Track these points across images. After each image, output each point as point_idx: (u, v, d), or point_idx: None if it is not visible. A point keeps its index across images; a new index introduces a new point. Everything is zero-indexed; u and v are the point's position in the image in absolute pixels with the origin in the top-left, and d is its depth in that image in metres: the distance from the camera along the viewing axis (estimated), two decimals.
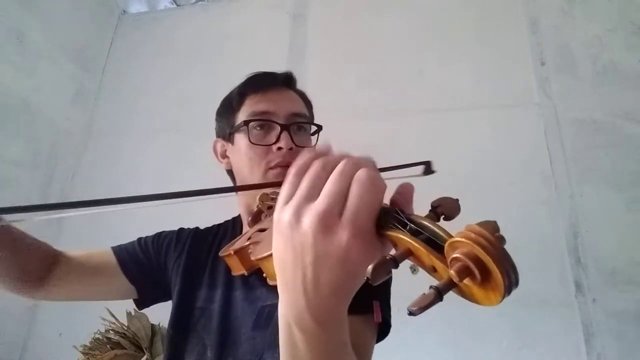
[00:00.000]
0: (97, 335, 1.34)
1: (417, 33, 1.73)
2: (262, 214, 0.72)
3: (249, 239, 0.62)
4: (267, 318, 0.66)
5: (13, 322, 1.53)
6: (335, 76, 1.73)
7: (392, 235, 0.33)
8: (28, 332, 1.58)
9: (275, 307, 0.65)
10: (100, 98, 1.99)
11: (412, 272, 1.33)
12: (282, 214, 0.36)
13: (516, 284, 0.26)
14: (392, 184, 0.42)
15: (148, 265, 0.83)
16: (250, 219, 0.73)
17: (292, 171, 0.38)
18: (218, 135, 0.87)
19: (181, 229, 0.91)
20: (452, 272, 0.27)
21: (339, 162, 0.36)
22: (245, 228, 0.81)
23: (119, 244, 1.67)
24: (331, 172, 0.36)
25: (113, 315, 1.32)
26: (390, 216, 0.34)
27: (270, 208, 0.63)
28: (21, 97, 1.62)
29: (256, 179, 0.75)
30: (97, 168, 1.85)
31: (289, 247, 0.36)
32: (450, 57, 1.65)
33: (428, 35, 1.71)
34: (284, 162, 0.74)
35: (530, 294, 1.24)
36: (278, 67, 0.90)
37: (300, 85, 0.94)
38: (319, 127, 0.85)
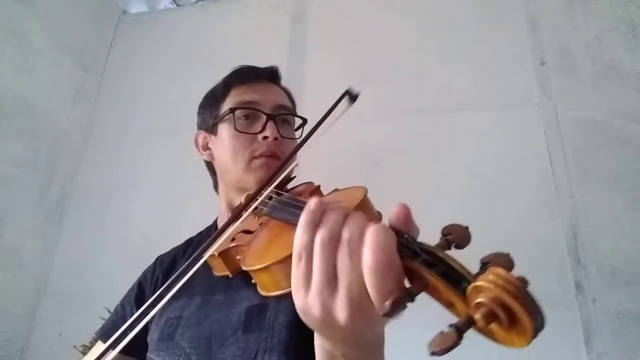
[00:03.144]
0: None
1: (417, 33, 1.72)
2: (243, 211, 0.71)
3: (233, 239, 0.60)
4: (259, 319, 0.64)
5: (13, 322, 1.53)
6: (335, 76, 1.73)
7: (408, 265, 0.32)
8: (28, 332, 1.58)
9: (263, 306, 0.64)
10: (100, 98, 1.99)
11: None
12: (311, 307, 0.35)
13: (542, 327, 0.26)
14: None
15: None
16: (231, 215, 0.72)
17: (300, 254, 0.37)
18: (200, 128, 0.87)
19: (146, 269, 0.88)
20: (477, 316, 0.27)
21: (339, 231, 0.35)
22: None
23: (118, 244, 1.66)
24: (336, 245, 0.35)
25: None
26: (402, 245, 0.33)
27: (257, 209, 0.62)
28: (21, 97, 1.62)
29: (240, 168, 0.75)
30: (97, 168, 1.85)
31: (326, 328, 0.36)
32: (450, 57, 1.65)
33: (428, 35, 1.71)
34: (269, 152, 0.74)
35: None
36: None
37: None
38: (304, 120, 0.85)
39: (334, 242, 0.35)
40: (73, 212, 1.78)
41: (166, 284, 0.43)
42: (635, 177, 1.33)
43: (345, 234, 0.34)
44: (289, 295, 0.41)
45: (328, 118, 0.60)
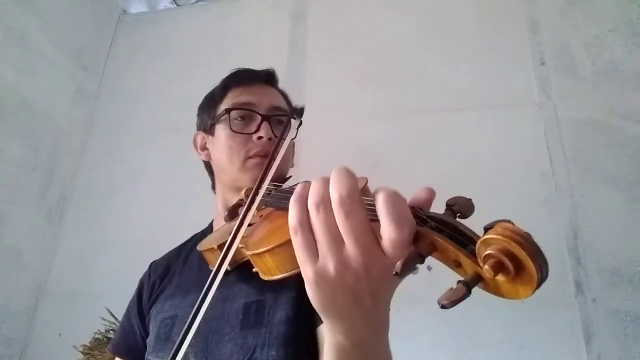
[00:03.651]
0: (97, 335, 1.34)
1: (417, 33, 1.73)
2: (239, 207, 0.72)
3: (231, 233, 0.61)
4: (257, 316, 0.64)
5: (13, 322, 1.53)
6: (335, 76, 1.73)
7: (418, 232, 0.34)
8: (28, 332, 1.58)
9: (260, 303, 0.65)
10: (100, 98, 1.99)
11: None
12: (325, 268, 0.36)
13: (546, 277, 0.28)
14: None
15: (142, 336, 0.80)
16: (227, 213, 0.72)
17: (295, 228, 0.38)
18: (199, 129, 0.89)
19: (142, 277, 0.89)
20: (486, 267, 0.28)
21: (325, 192, 0.37)
22: (220, 223, 0.81)
23: (118, 244, 1.67)
24: (330, 206, 0.36)
25: (113, 315, 1.33)
26: (412, 214, 0.35)
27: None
28: (21, 97, 1.62)
29: (235, 168, 0.76)
30: (97, 168, 1.85)
31: (341, 291, 0.37)
32: (450, 57, 1.65)
33: (428, 35, 1.71)
34: (263, 152, 0.75)
35: None
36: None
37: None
38: (299, 122, 0.87)
39: (326, 203, 0.36)
40: (73, 212, 1.78)
41: (204, 289, 0.45)
42: (636, 177, 1.33)
43: (333, 192, 0.36)
44: (290, 280, 0.41)
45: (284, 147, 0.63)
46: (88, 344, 1.32)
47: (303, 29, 1.86)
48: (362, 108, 1.66)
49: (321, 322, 0.58)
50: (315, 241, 0.37)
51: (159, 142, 1.82)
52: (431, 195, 0.38)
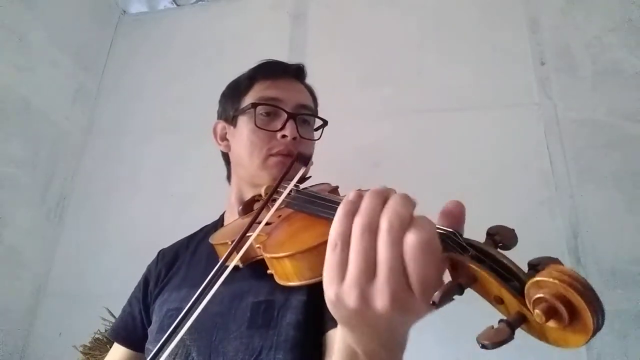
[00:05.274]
0: (97, 335, 1.34)
1: (417, 33, 1.72)
2: (254, 202, 0.71)
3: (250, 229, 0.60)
4: (265, 316, 0.62)
5: (13, 322, 1.53)
6: (335, 76, 1.73)
7: (455, 259, 0.32)
8: (28, 332, 1.58)
9: (269, 303, 0.64)
10: (100, 98, 1.99)
11: None
12: (346, 296, 0.34)
13: (601, 328, 0.25)
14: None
15: (142, 323, 0.80)
16: (241, 207, 0.71)
17: (336, 242, 0.35)
18: (220, 117, 0.86)
19: (150, 264, 0.88)
20: (537, 311, 0.26)
21: (377, 217, 0.33)
22: (232, 216, 0.79)
23: (118, 244, 1.67)
24: (376, 234, 0.33)
25: (113, 315, 1.32)
26: (450, 239, 0.33)
27: (275, 201, 0.62)
28: (21, 97, 1.62)
29: (255, 164, 0.75)
30: (97, 168, 1.85)
31: (358, 321, 0.35)
32: (450, 57, 1.65)
33: (428, 35, 1.71)
34: (286, 151, 0.74)
35: None
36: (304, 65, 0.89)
37: None
38: (325, 122, 0.86)
39: (373, 229, 0.33)
40: (73, 212, 1.78)
41: (209, 278, 0.44)
42: (635, 177, 1.33)
43: (385, 222, 0.33)
44: (305, 288, 0.39)
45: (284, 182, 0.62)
46: (88, 344, 1.32)
47: (303, 29, 1.86)
48: (362, 108, 1.66)
49: (329, 328, 0.57)
50: (348, 262, 0.34)
51: (159, 142, 1.82)
52: (462, 210, 0.35)
